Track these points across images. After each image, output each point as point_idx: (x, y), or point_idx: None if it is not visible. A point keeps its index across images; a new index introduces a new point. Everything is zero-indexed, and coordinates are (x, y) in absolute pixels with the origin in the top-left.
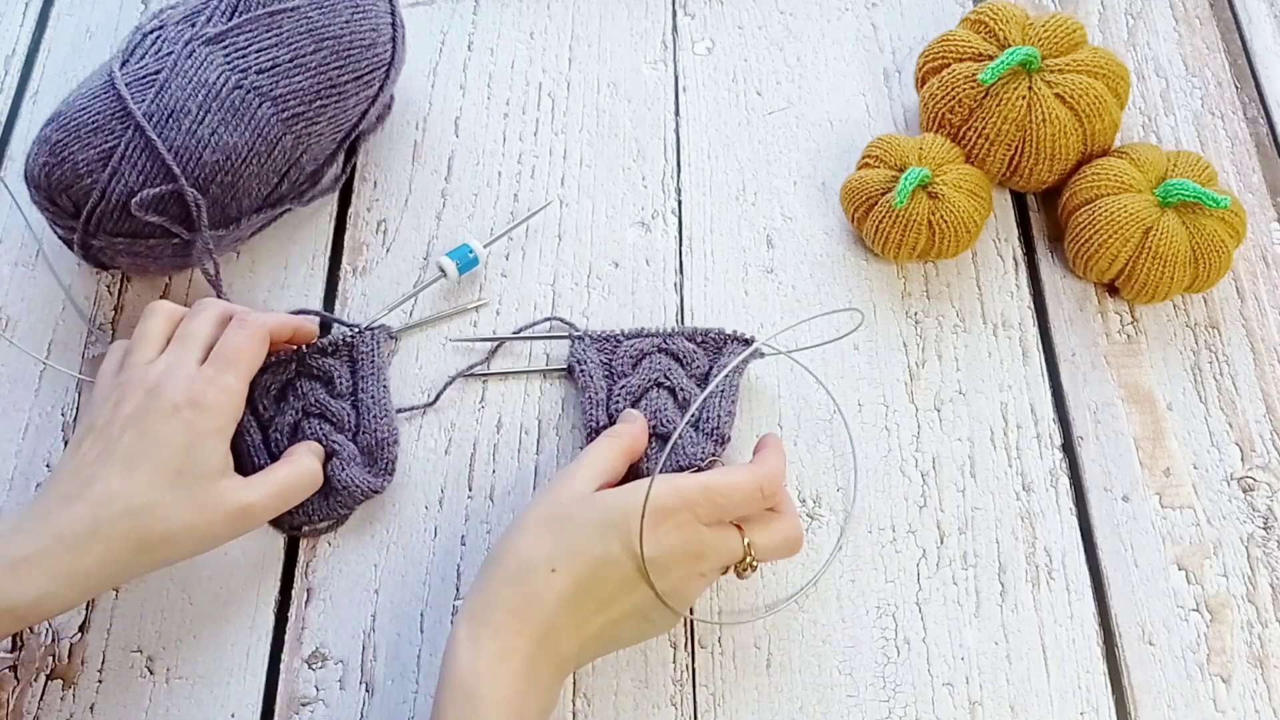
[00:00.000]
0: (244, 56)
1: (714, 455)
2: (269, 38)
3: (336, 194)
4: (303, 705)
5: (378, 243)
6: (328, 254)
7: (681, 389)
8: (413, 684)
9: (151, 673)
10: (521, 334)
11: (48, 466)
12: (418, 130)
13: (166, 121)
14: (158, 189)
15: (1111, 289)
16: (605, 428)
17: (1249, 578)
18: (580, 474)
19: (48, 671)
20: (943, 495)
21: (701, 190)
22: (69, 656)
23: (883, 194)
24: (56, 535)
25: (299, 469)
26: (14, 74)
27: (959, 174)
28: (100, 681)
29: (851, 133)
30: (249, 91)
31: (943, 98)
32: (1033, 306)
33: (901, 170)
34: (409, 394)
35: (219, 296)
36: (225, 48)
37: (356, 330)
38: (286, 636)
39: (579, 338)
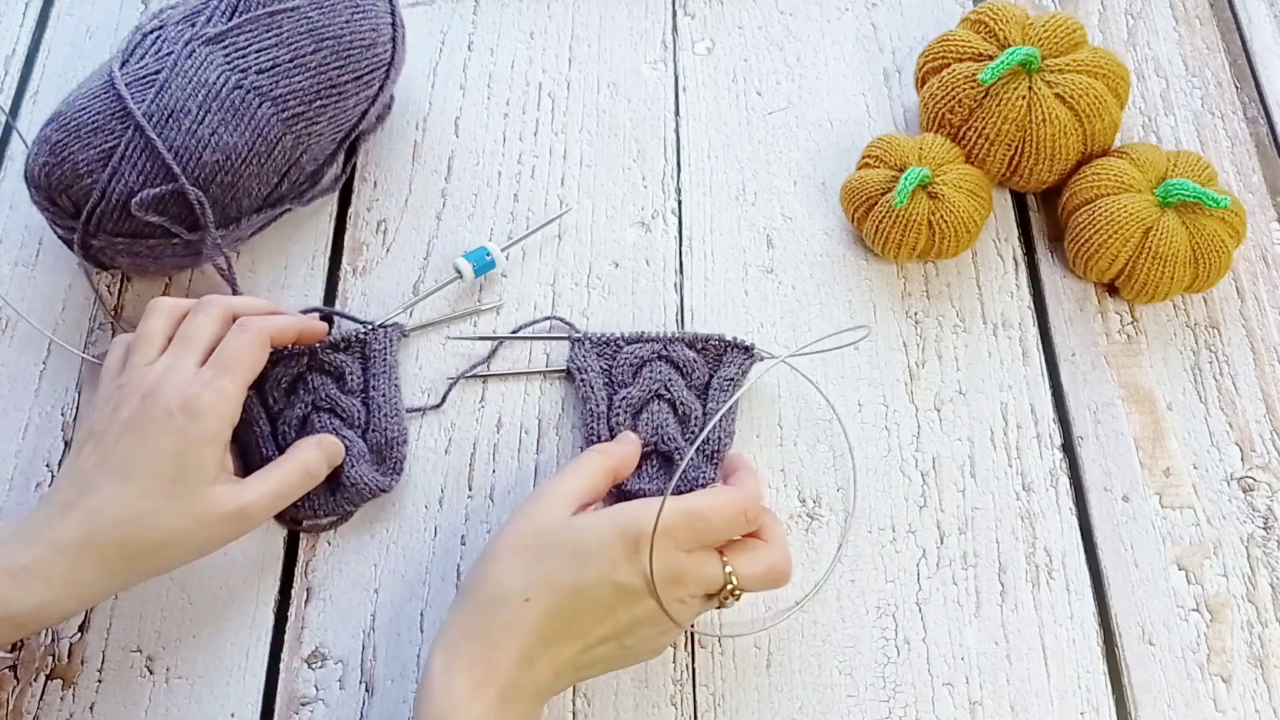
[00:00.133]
0: (244, 56)
1: (713, 479)
2: (269, 38)
3: (336, 194)
4: (303, 705)
5: (378, 243)
6: (328, 254)
7: (682, 402)
8: (412, 684)
9: (151, 672)
10: (521, 334)
11: (47, 466)
12: (418, 130)
13: (166, 121)
14: (158, 189)
15: (1111, 289)
16: (606, 441)
17: (1249, 578)
18: (558, 494)
19: (47, 671)
20: (943, 495)
21: (701, 190)
22: (69, 656)
23: (883, 194)
24: (54, 544)
25: (297, 466)
26: (14, 74)
27: (959, 174)
28: (100, 681)
29: (851, 133)
30: (249, 91)
31: (943, 98)
32: (1033, 306)
33: (901, 170)
34: (409, 393)
35: (234, 291)
36: (225, 48)
37: (370, 327)
38: (286, 636)
39: (579, 340)
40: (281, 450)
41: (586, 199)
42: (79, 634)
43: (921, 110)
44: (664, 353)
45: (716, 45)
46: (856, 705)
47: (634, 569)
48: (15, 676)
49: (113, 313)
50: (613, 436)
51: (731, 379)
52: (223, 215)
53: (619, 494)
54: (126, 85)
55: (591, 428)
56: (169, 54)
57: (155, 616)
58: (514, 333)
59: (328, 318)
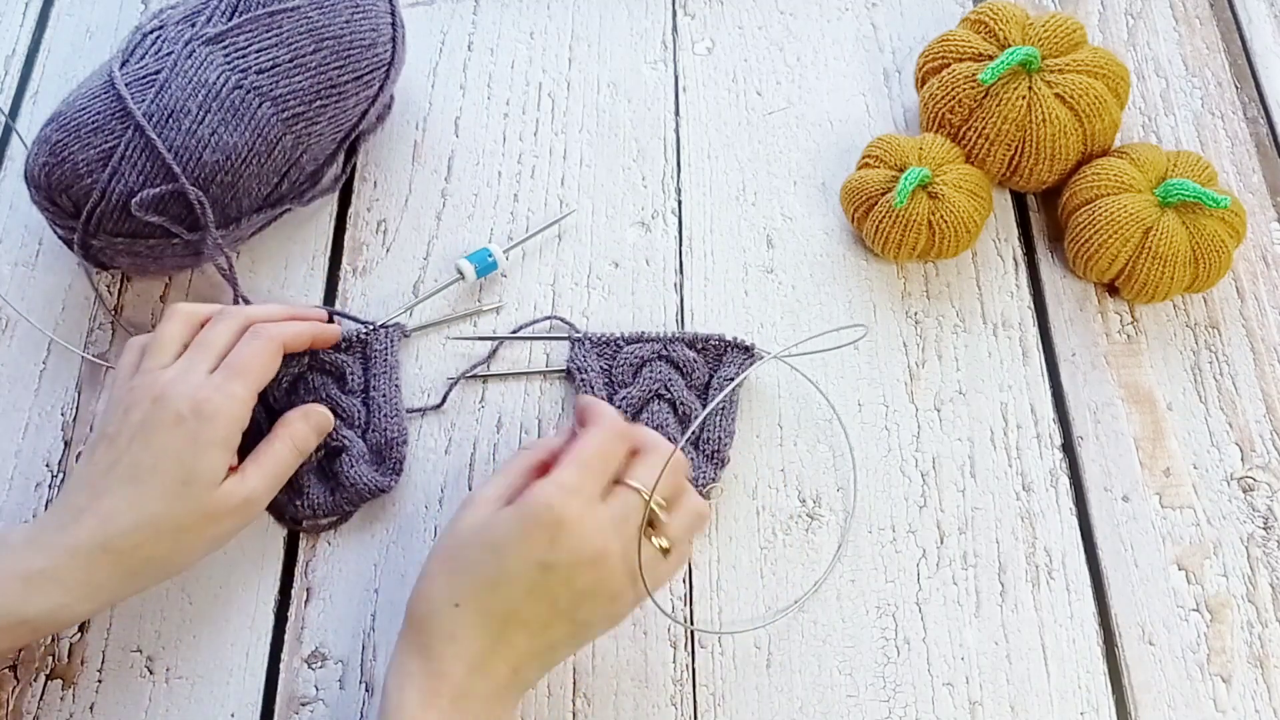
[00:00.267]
0: (244, 56)
1: (714, 479)
2: (269, 38)
3: (336, 194)
4: (303, 705)
5: (378, 243)
6: (328, 254)
7: (682, 402)
8: None
9: (151, 672)
10: (521, 334)
11: (47, 466)
12: (418, 130)
13: (166, 121)
14: (158, 189)
15: (1111, 289)
16: None
17: (1249, 578)
18: (478, 499)
19: (48, 671)
20: (943, 495)
21: (701, 190)
22: (69, 656)
23: (883, 194)
24: (69, 549)
25: (286, 443)
26: (14, 74)
27: (959, 174)
28: (100, 681)
29: (851, 133)
30: (249, 91)
31: (943, 98)
32: (1033, 306)
33: (901, 170)
34: (409, 395)
35: (234, 291)
36: (225, 48)
37: (372, 327)
38: (286, 636)
39: (579, 340)
40: None
41: (586, 199)
42: (79, 634)
43: (921, 110)
44: (664, 353)
45: (716, 45)
46: (856, 705)
47: (552, 545)
48: (15, 676)
49: (113, 312)
50: None
51: (731, 379)
52: (223, 215)
53: None
54: (126, 85)
55: None
56: (169, 54)
57: (155, 616)
58: (514, 333)
59: (331, 319)
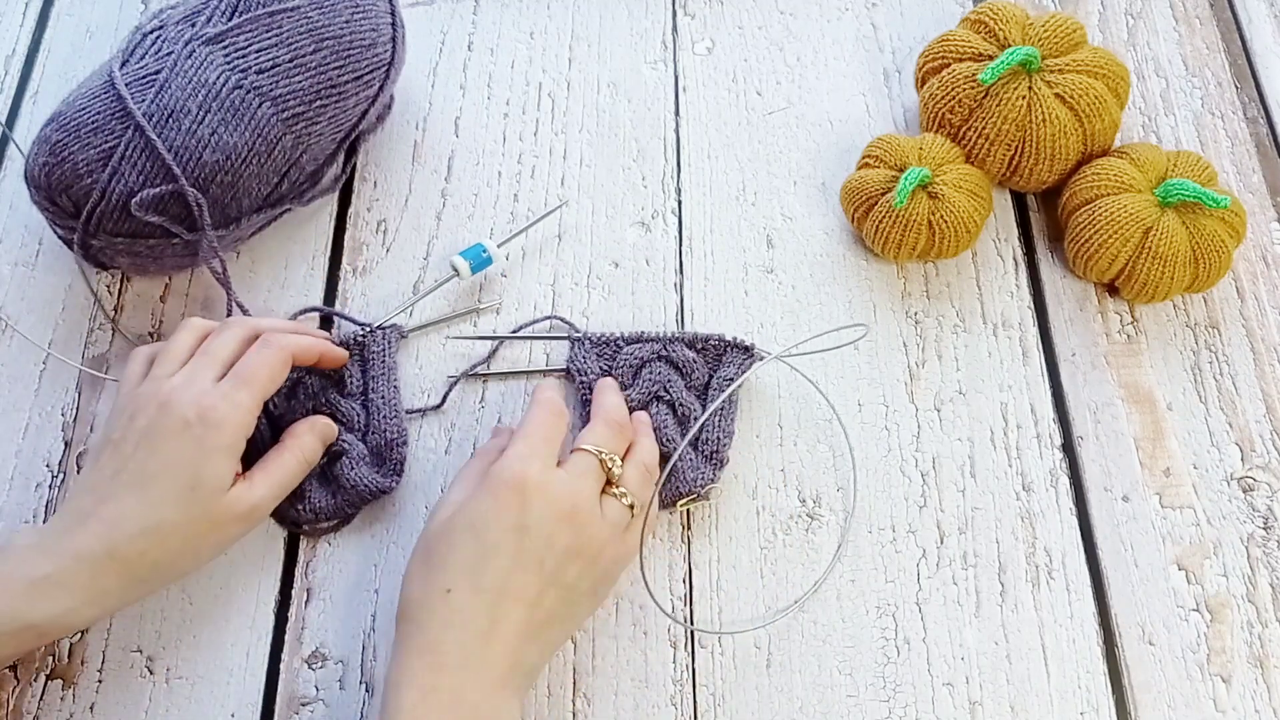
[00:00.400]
0: (244, 56)
1: (713, 480)
2: (269, 38)
3: (336, 194)
4: (303, 705)
5: (378, 243)
6: (328, 254)
7: (682, 404)
8: None
9: (151, 673)
10: (521, 333)
11: (47, 466)
12: (418, 130)
13: (166, 121)
14: (158, 189)
15: (1111, 289)
16: None
17: (1249, 578)
18: (444, 504)
19: (48, 671)
20: (943, 495)
21: (701, 190)
22: (69, 656)
23: (883, 194)
24: (75, 554)
25: (295, 454)
26: (14, 74)
27: (959, 174)
28: (100, 681)
29: (851, 133)
30: (249, 91)
31: (943, 98)
32: (1033, 306)
33: (901, 170)
34: (409, 394)
35: (228, 294)
36: (225, 48)
37: (369, 329)
38: (286, 636)
39: (578, 339)
40: None
41: (586, 199)
42: (79, 634)
43: (921, 110)
44: (664, 353)
45: (716, 45)
46: (856, 705)
47: (524, 506)
48: (15, 676)
49: (112, 320)
50: None
51: (731, 379)
52: (223, 215)
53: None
54: (126, 85)
55: None
56: (169, 54)
57: (155, 616)
58: (514, 332)
59: (328, 320)
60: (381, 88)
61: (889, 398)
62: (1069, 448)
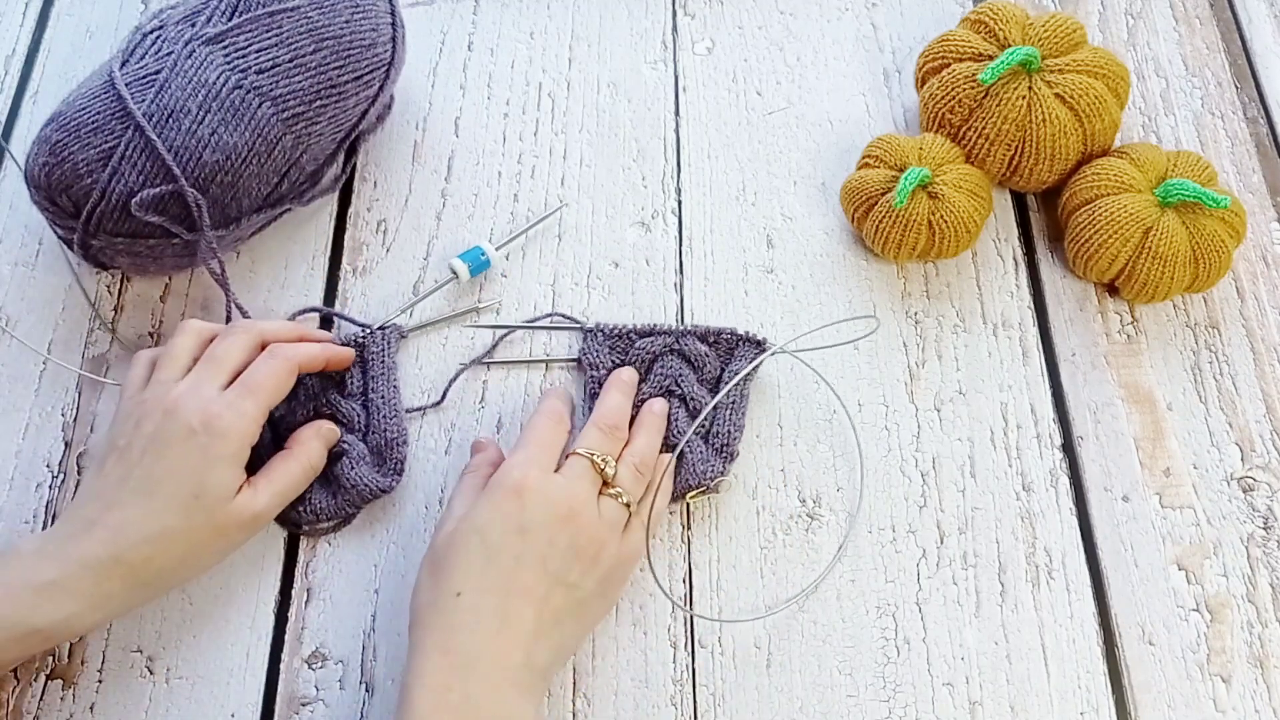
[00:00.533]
0: (244, 56)
1: (722, 474)
2: (269, 38)
3: (336, 194)
4: (303, 705)
5: (378, 243)
6: (328, 254)
7: (693, 398)
8: None
9: (151, 673)
10: (535, 323)
11: (47, 466)
12: (418, 130)
13: (166, 121)
14: (158, 189)
15: (1111, 289)
16: None
17: (1249, 578)
18: (452, 515)
19: (48, 671)
20: (943, 495)
21: (701, 190)
22: (69, 656)
23: (883, 194)
24: (80, 560)
25: (300, 461)
26: (14, 74)
27: (959, 174)
28: (100, 681)
29: (851, 133)
30: (249, 91)
31: (943, 98)
32: (1033, 306)
33: (901, 170)
34: (410, 394)
35: (226, 296)
36: (225, 48)
37: (368, 330)
38: (286, 636)
39: (591, 331)
40: None
41: (586, 199)
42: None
43: (921, 110)
44: (676, 346)
45: (716, 45)
46: (856, 705)
47: (523, 508)
48: (15, 676)
49: (111, 329)
50: None
51: (743, 377)
52: (223, 215)
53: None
54: (126, 85)
55: None
56: (169, 54)
57: (155, 616)
58: (528, 323)
59: (328, 321)
60: (381, 88)
61: (889, 398)
62: (1069, 448)
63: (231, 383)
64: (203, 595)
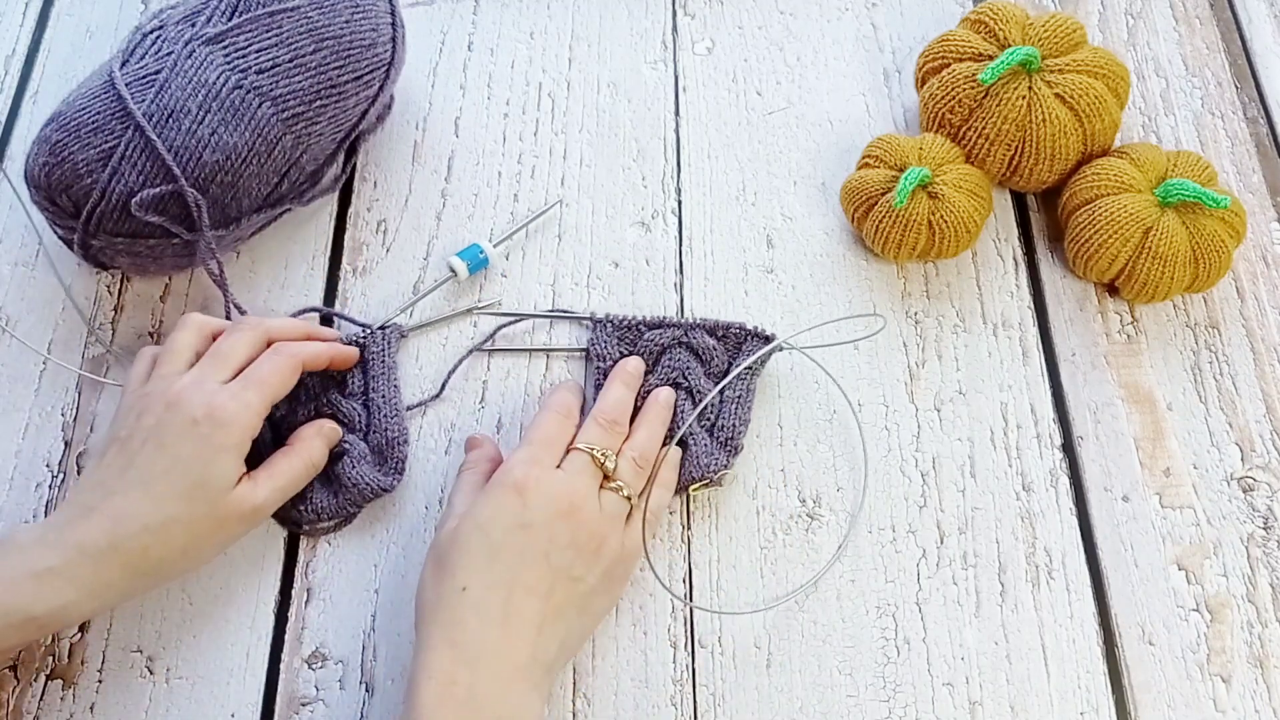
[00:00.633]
0: (244, 56)
1: (726, 467)
2: (269, 38)
3: (336, 194)
4: (303, 705)
5: (378, 243)
6: (328, 254)
7: (699, 391)
8: None
9: (151, 673)
10: (545, 313)
11: (47, 466)
12: (418, 130)
13: (166, 121)
14: (158, 189)
15: (1111, 289)
16: None
17: (1249, 578)
18: (454, 512)
19: (48, 671)
20: (943, 495)
21: (701, 190)
22: (69, 656)
23: (883, 194)
24: (79, 547)
25: (302, 458)
26: (14, 74)
27: (959, 174)
28: (100, 681)
29: (851, 133)
30: (249, 91)
31: (943, 98)
32: (1033, 306)
33: (901, 170)
34: (410, 394)
35: (225, 296)
36: (225, 48)
37: (369, 330)
38: (286, 636)
39: (600, 322)
40: None
41: (586, 199)
42: (79, 634)
43: (921, 110)
44: (684, 339)
45: (716, 45)
46: (856, 705)
47: (525, 504)
48: (15, 676)
49: (109, 343)
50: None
51: (750, 368)
52: (223, 215)
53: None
54: (126, 85)
55: None
56: (169, 54)
57: (155, 616)
58: (537, 313)
59: (328, 321)
60: (381, 88)
61: (889, 398)
62: (1069, 448)
63: (234, 379)
64: (203, 595)
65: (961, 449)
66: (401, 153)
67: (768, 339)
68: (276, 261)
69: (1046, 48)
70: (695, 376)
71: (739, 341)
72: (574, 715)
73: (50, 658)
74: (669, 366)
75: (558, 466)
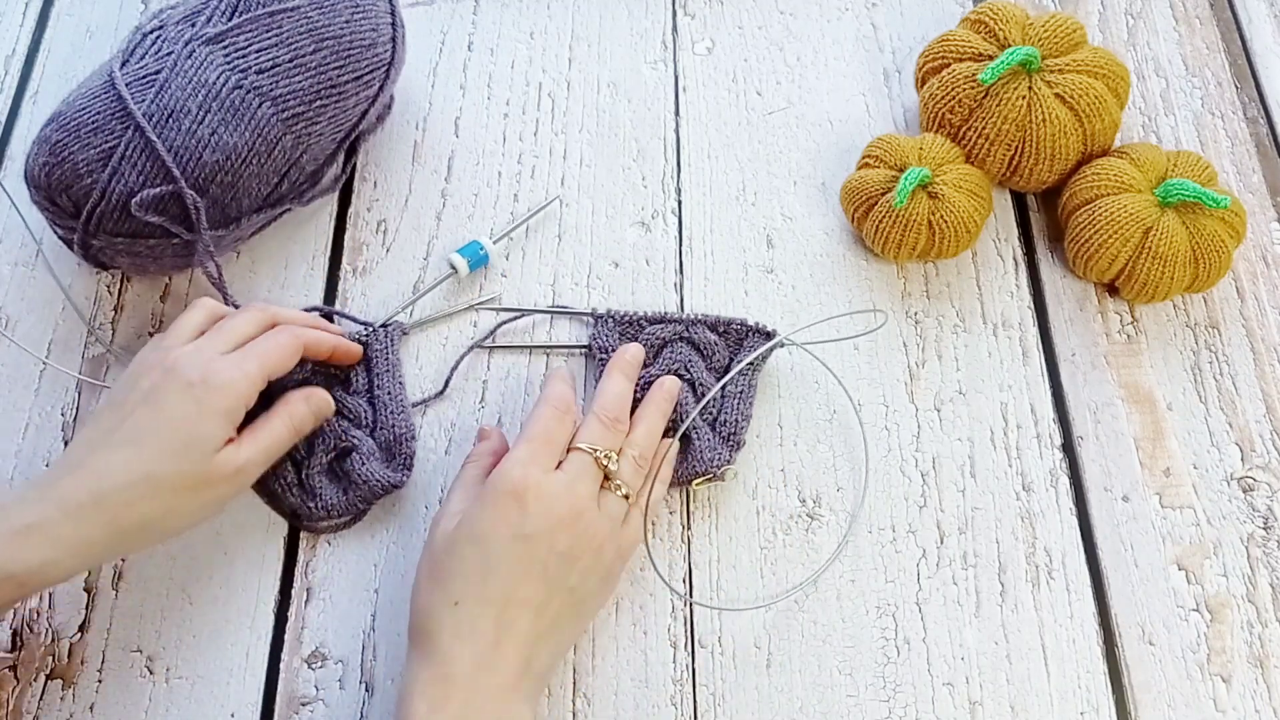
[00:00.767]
0: (244, 56)
1: (729, 462)
2: (269, 38)
3: (336, 194)
4: (303, 705)
5: (378, 243)
6: (328, 254)
7: (701, 384)
8: None
9: (151, 673)
10: (547, 308)
11: (47, 466)
12: (418, 130)
13: (166, 121)
14: (157, 189)
15: (1111, 289)
16: None
17: (1249, 578)
18: (444, 515)
19: (48, 671)
20: (943, 495)
21: (701, 190)
22: (69, 656)
23: (883, 194)
24: (59, 503)
25: (285, 421)
26: (14, 74)
27: (959, 174)
28: (100, 681)
29: (851, 133)
30: (249, 91)
31: (943, 98)
32: (1033, 306)
33: (901, 170)
34: (410, 392)
35: (223, 298)
36: (225, 48)
37: (371, 328)
38: (286, 636)
39: (602, 317)
40: (293, 459)
41: (586, 199)
42: (79, 634)
43: (921, 110)
44: (686, 334)
45: (716, 45)
46: (856, 705)
47: (524, 514)
48: (15, 676)
49: (108, 336)
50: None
51: (751, 363)
52: (223, 215)
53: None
54: (126, 85)
55: None
56: (169, 54)
57: (155, 616)
58: (539, 308)
59: (328, 320)
60: (381, 88)
61: (889, 398)
62: (1069, 448)
63: None
64: (203, 595)
65: (961, 449)
66: (401, 153)
67: (769, 335)
68: (276, 261)
69: (1046, 48)
70: (697, 369)
71: (740, 337)
72: (574, 715)
73: (50, 658)
74: (670, 360)
75: (558, 466)
